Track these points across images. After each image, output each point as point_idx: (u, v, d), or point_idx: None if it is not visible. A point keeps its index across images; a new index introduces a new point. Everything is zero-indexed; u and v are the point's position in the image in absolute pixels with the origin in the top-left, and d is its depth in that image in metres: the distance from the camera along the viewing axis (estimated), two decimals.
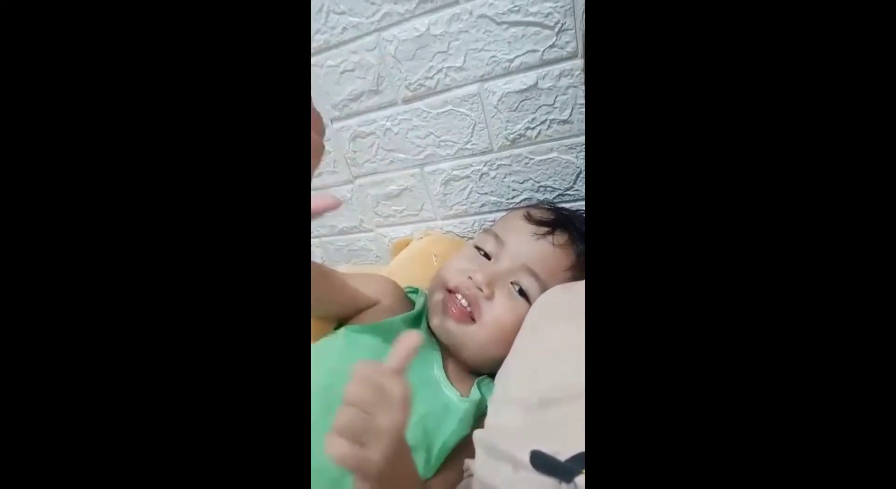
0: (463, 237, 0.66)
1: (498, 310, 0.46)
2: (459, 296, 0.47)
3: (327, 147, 0.66)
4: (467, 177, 0.61)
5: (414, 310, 0.52)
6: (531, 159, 0.57)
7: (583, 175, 0.56)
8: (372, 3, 0.53)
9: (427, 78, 0.56)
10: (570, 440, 0.26)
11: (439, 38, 0.53)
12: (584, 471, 0.25)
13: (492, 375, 0.46)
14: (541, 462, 0.27)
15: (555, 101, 0.52)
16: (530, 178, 0.58)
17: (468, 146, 0.59)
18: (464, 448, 0.41)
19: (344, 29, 0.56)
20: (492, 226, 0.56)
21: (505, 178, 0.59)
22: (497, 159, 0.58)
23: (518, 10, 0.48)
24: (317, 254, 0.79)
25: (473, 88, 0.54)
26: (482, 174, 0.60)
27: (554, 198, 0.58)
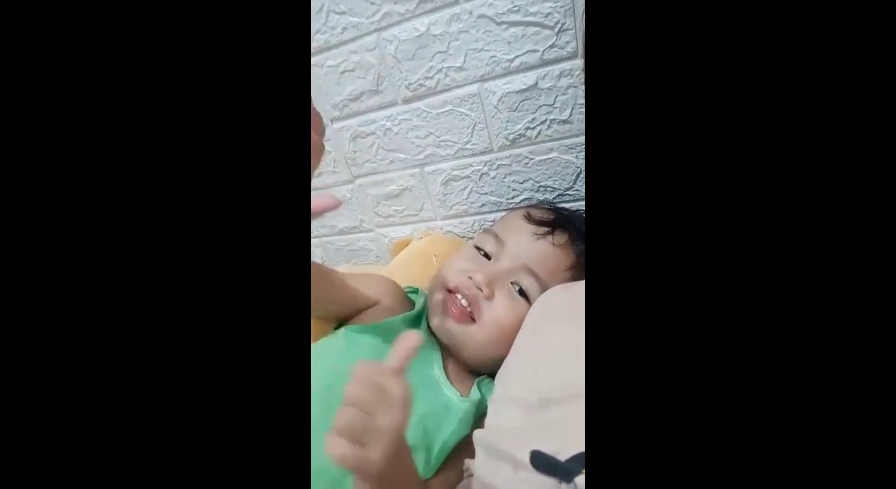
0: (463, 237, 0.66)
1: (498, 310, 0.46)
2: (459, 296, 0.47)
3: (327, 147, 0.66)
4: (467, 177, 0.61)
5: (414, 310, 0.52)
6: (531, 159, 0.57)
7: (583, 175, 0.56)
8: (372, 3, 0.53)
9: (427, 78, 0.56)
10: (570, 440, 0.26)
11: (439, 38, 0.53)
12: (584, 471, 0.25)
13: (492, 375, 0.46)
14: (541, 462, 0.27)
15: (555, 101, 0.52)
16: (530, 178, 0.58)
17: (468, 146, 0.59)
18: (464, 448, 0.41)
19: (344, 29, 0.56)
20: (492, 226, 0.56)
21: (505, 178, 0.59)
22: (497, 159, 0.58)
23: (518, 10, 0.48)
24: (317, 255, 0.79)
25: (473, 88, 0.54)
26: (482, 174, 0.60)
27: (554, 198, 0.58)
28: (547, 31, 0.49)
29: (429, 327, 0.51)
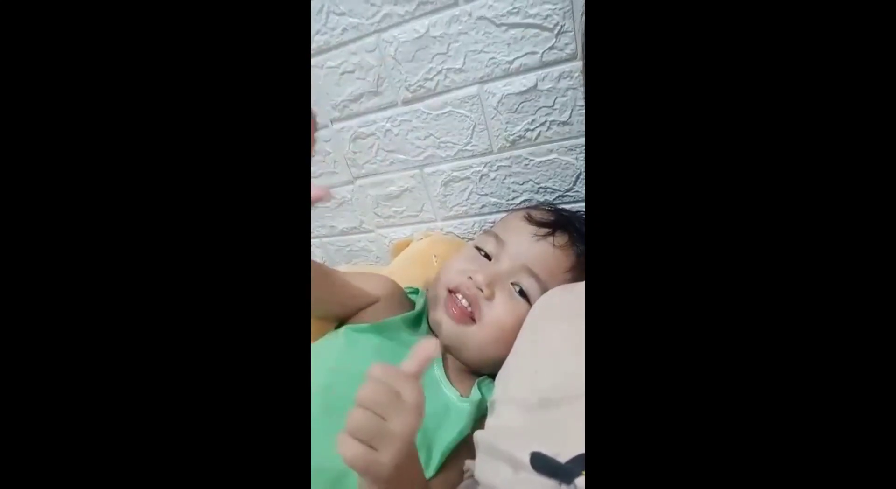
0: (463, 238, 0.66)
1: (498, 310, 0.46)
2: (460, 297, 0.47)
3: (328, 148, 0.66)
4: (467, 178, 0.61)
5: (414, 311, 0.52)
6: (531, 161, 0.57)
7: (582, 176, 0.56)
8: (372, 5, 0.53)
9: (427, 79, 0.56)
10: (570, 441, 0.26)
11: (439, 39, 0.53)
12: (584, 472, 0.25)
13: (492, 376, 0.46)
14: (541, 463, 0.27)
15: (554, 102, 0.52)
16: (530, 180, 0.58)
17: (468, 147, 0.59)
18: (464, 448, 0.41)
19: (344, 30, 0.56)
20: (492, 227, 0.56)
21: (505, 179, 0.59)
22: (497, 160, 0.58)
23: (517, 12, 0.48)
24: (317, 255, 0.79)
25: (473, 90, 0.55)
26: (482, 175, 0.60)
27: (554, 199, 0.59)
28: (546, 33, 0.49)
29: (429, 327, 0.51)
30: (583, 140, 0.54)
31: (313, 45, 0.58)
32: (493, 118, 0.55)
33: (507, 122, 0.55)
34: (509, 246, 0.48)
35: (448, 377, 0.47)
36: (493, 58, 0.52)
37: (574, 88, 0.51)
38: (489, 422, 0.36)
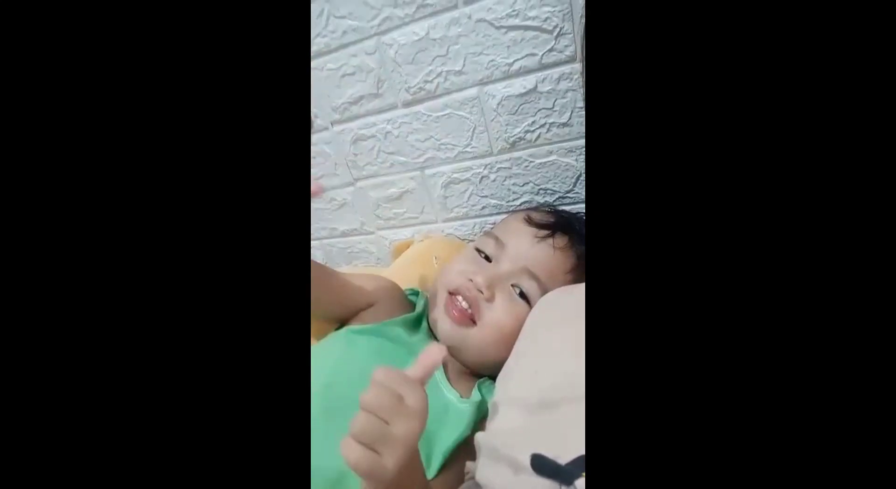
0: (463, 240, 0.66)
1: (498, 312, 0.46)
2: (460, 298, 0.47)
3: (328, 150, 0.66)
4: (467, 180, 0.61)
5: (414, 312, 0.52)
6: (531, 162, 0.57)
7: (582, 178, 0.56)
8: (372, 8, 0.53)
9: (427, 81, 0.56)
10: (570, 443, 0.26)
11: (439, 42, 0.53)
12: (584, 474, 0.25)
13: (493, 377, 0.46)
14: (541, 465, 0.27)
15: (554, 104, 0.52)
16: (530, 181, 0.58)
17: (468, 149, 0.59)
18: (464, 450, 0.41)
19: (344, 33, 0.56)
20: (492, 228, 0.56)
21: (505, 180, 0.60)
22: (497, 162, 0.59)
23: (517, 15, 0.48)
24: (318, 257, 0.79)
25: (473, 92, 0.55)
26: (482, 177, 0.60)
27: (554, 200, 0.59)
28: (545, 35, 0.49)
29: (429, 328, 0.51)
30: (582, 141, 0.54)
31: (314, 48, 0.58)
32: (493, 120, 0.56)
33: (506, 124, 0.55)
34: (509, 248, 0.48)
35: (448, 378, 0.47)
36: (492, 60, 0.52)
37: (574, 90, 0.51)
38: (489, 423, 0.36)
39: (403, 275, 0.61)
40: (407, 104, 0.59)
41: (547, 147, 0.55)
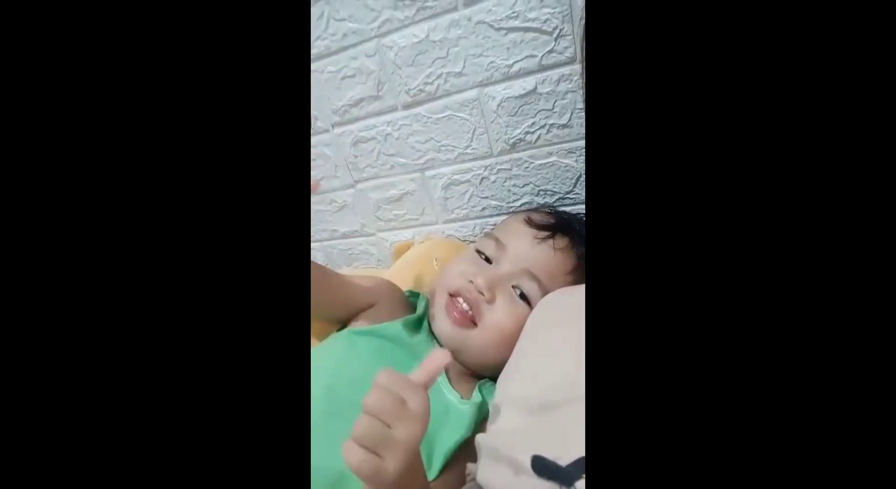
0: (464, 241, 0.66)
1: (499, 313, 0.46)
2: (460, 300, 0.47)
3: (328, 152, 0.66)
4: (468, 181, 0.61)
5: (415, 314, 0.52)
6: (531, 163, 0.57)
7: (582, 179, 0.56)
8: (372, 10, 0.53)
9: (427, 83, 0.56)
10: (571, 444, 0.26)
11: (439, 43, 0.53)
12: (584, 475, 0.25)
13: (493, 378, 0.46)
14: (542, 467, 0.27)
15: (554, 105, 0.52)
16: (530, 182, 0.59)
17: (468, 151, 0.59)
18: (465, 451, 0.41)
19: (344, 35, 0.56)
20: (492, 230, 0.56)
21: (505, 182, 0.60)
22: (497, 163, 0.59)
23: (516, 16, 0.49)
24: (319, 258, 0.79)
25: (473, 93, 0.55)
26: (482, 178, 0.60)
27: (554, 201, 0.59)
28: (545, 37, 0.49)
29: (430, 330, 0.51)
30: (582, 142, 0.54)
31: (314, 51, 0.58)
32: (492, 121, 0.56)
33: (506, 126, 0.55)
34: (510, 249, 0.48)
35: (449, 380, 0.47)
36: (492, 62, 0.52)
37: (573, 91, 0.51)
38: (490, 424, 0.36)
39: (404, 276, 0.61)
40: (407, 106, 0.59)
41: (547, 148, 0.56)
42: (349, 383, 0.43)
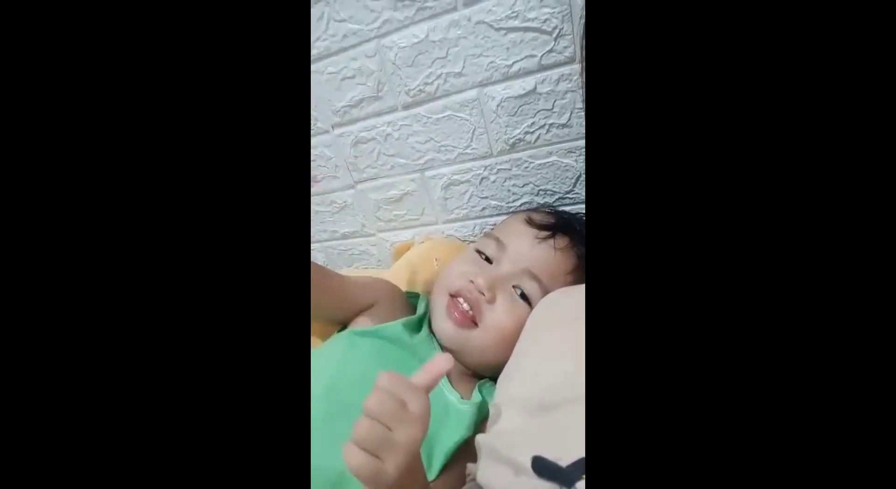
0: (464, 241, 0.66)
1: (500, 313, 0.46)
2: (461, 300, 0.47)
3: (329, 153, 0.66)
4: (467, 181, 0.61)
5: (416, 315, 0.52)
6: (531, 163, 0.57)
7: (582, 178, 0.56)
8: (372, 11, 0.53)
9: (427, 84, 0.56)
10: (571, 445, 0.26)
11: (438, 44, 0.53)
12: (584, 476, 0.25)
13: (493, 378, 0.46)
14: (542, 467, 0.27)
15: (553, 105, 0.52)
16: (530, 182, 0.59)
17: (468, 151, 0.59)
18: (465, 451, 0.41)
19: (344, 36, 0.56)
20: (493, 229, 0.56)
21: (505, 182, 0.60)
22: (497, 163, 0.59)
23: (516, 16, 0.49)
24: (319, 259, 0.79)
25: (473, 94, 0.55)
26: (482, 178, 0.60)
27: (554, 201, 0.59)
28: (545, 37, 0.49)
29: (430, 330, 0.51)
30: (582, 142, 0.54)
31: (314, 51, 0.58)
32: (492, 121, 0.56)
33: (506, 126, 0.55)
34: (510, 249, 0.48)
35: (449, 379, 0.48)
36: (492, 62, 0.52)
37: (573, 91, 0.51)
38: (490, 424, 0.36)
39: (404, 276, 0.61)
40: (407, 106, 0.59)
41: (546, 148, 0.55)
42: (350, 384, 0.43)
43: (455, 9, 0.50)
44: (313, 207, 0.72)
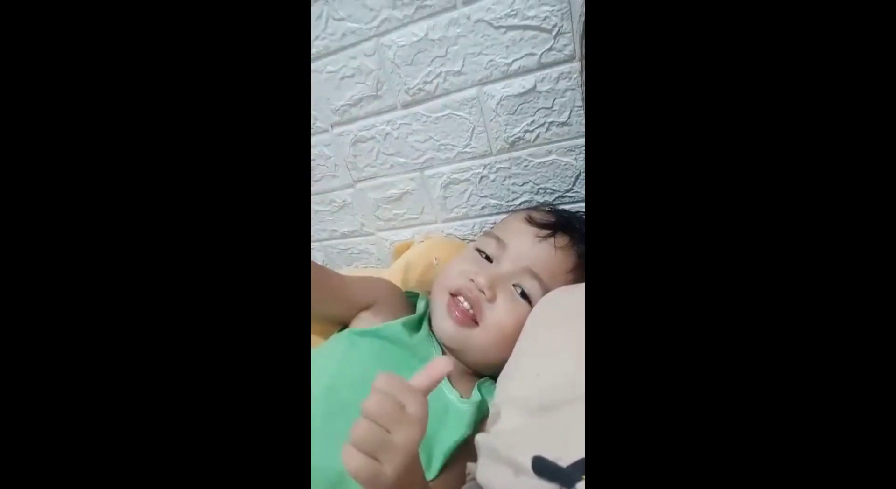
0: (463, 240, 0.66)
1: (500, 312, 0.46)
2: (462, 299, 0.47)
3: (328, 152, 0.66)
4: (467, 180, 0.61)
5: (416, 314, 0.52)
6: (530, 162, 0.57)
7: (582, 177, 0.56)
8: (371, 9, 0.53)
9: (426, 82, 0.56)
10: (571, 445, 0.26)
11: (438, 42, 0.53)
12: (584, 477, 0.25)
13: (493, 377, 0.46)
14: (542, 467, 0.27)
15: (553, 103, 0.52)
16: (530, 181, 0.58)
17: (467, 149, 0.59)
18: (465, 450, 0.41)
19: (343, 35, 0.56)
20: (492, 228, 0.56)
21: (504, 180, 0.60)
22: (496, 162, 0.59)
23: (515, 15, 0.48)
24: (318, 258, 0.79)
25: (472, 92, 0.55)
26: (482, 177, 0.60)
27: (553, 200, 0.59)
28: (544, 35, 0.49)
29: (430, 330, 0.51)
30: (581, 141, 0.53)
31: (313, 50, 0.58)
32: (492, 120, 0.56)
33: (506, 124, 0.55)
34: (511, 248, 0.48)
35: (449, 378, 0.47)
36: (491, 60, 0.52)
37: (573, 89, 0.51)
38: (490, 424, 0.36)
39: (404, 275, 0.61)
40: (406, 105, 0.58)
41: (546, 146, 0.55)
42: (350, 384, 0.43)
43: (454, 7, 0.50)
44: (313, 206, 0.72)
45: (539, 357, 0.38)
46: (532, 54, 0.50)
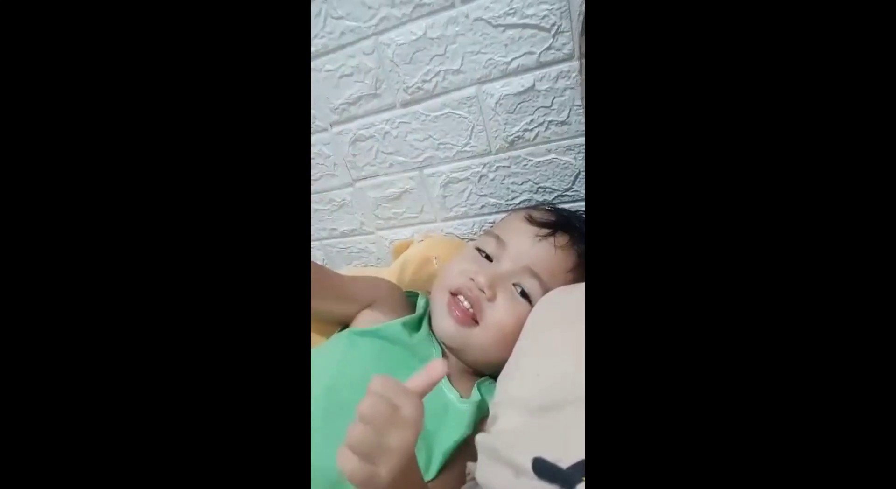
0: (463, 239, 0.66)
1: (500, 312, 0.46)
2: (462, 298, 0.47)
3: (327, 151, 0.66)
4: (466, 179, 0.61)
5: (416, 314, 0.52)
6: (530, 161, 0.57)
7: (581, 176, 0.56)
8: (369, 8, 0.53)
9: (425, 81, 0.56)
10: (572, 446, 0.26)
11: (436, 41, 0.53)
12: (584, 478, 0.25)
13: (493, 376, 0.46)
14: (542, 469, 0.27)
15: (552, 102, 0.52)
16: (529, 180, 0.58)
17: (467, 148, 0.59)
18: (465, 450, 0.41)
19: (342, 33, 0.56)
20: (492, 227, 0.56)
21: (504, 179, 0.59)
22: (496, 161, 0.58)
23: (514, 13, 0.48)
24: (318, 257, 0.79)
25: (471, 91, 0.54)
26: (481, 176, 0.60)
27: (553, 199, 0.59)
28: (543, 34, 0.49)
29: (430, 329, 0.51)
30: (581, 139, 0.53)
31: (312, 49, 0.58)
32: (491, 119, 0.55)
33: (505, 123, 0.55)
34: (511, 247, 0.48)
35: (448, 378, 0.48)
36: (490, 59, 0.52)
37: (572, 88, 0.51)
38: (490, 424, 0.36)
39: (403, 275, 0.61)
40: (405, 104, 0.58)
41: (545, 145, 0.55)
42: (350, 384, 0.43)
43: (453, 6, 0.50)
44: (312, 205, 0.72)
45: (539, 357, 0.38)
46: (531, 53, 0.50)
